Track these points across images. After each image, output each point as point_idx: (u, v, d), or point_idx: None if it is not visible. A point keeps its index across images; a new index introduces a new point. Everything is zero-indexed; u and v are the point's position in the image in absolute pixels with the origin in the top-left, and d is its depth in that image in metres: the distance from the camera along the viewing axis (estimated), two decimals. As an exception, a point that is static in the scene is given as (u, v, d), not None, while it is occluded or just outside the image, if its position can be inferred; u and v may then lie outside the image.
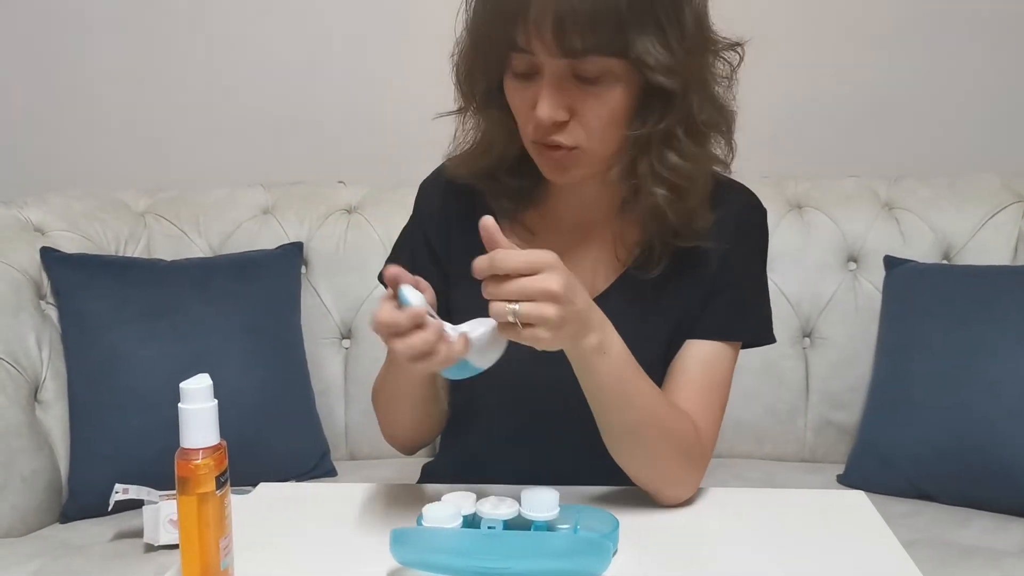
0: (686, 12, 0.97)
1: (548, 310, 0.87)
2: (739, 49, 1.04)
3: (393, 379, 1.14)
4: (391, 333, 0.88)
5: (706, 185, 1.06)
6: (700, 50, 1.00)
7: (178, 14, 2.12)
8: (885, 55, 2.06)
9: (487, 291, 0.88)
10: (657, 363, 1.12)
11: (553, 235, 1.14)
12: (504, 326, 0.88)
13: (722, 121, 1.06)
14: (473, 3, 1.01)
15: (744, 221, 1.14)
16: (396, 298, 0.90)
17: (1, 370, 1.58)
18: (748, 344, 1.17)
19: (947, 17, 2.04)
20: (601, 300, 1.04)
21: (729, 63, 1.04)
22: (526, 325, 0.87)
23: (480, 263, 0.87)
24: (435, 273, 1.16)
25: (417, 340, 0.87)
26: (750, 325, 1.16)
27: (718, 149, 1.07)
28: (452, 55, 1.07)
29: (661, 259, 1.09)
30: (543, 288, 0.87)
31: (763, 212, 1.17)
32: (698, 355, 1.11)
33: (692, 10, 0.98)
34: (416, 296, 0.90)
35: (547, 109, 0.97)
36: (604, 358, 0.96)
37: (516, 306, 0.86)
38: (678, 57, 0.96)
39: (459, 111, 1.10)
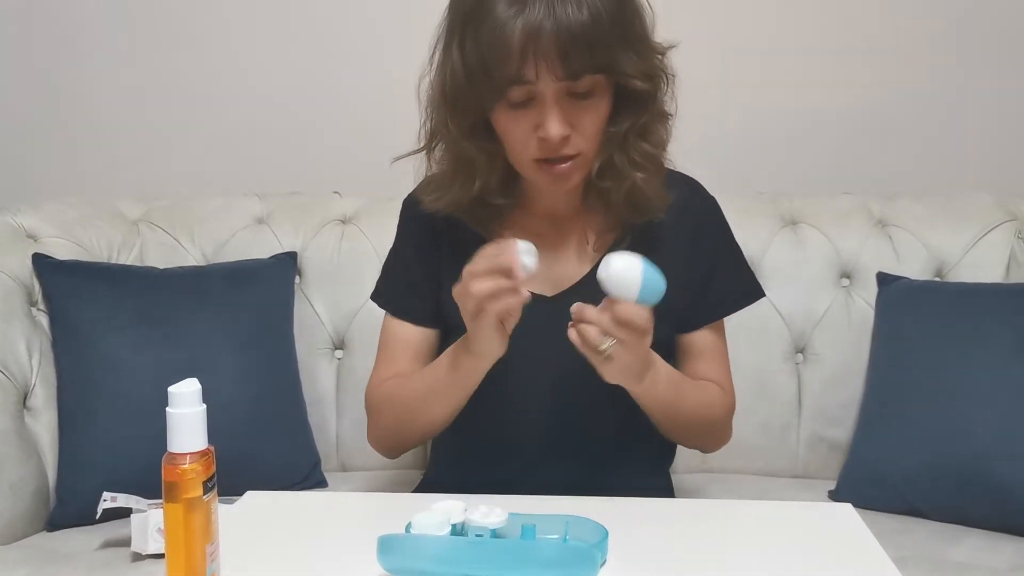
0: (646, 22, 1.13)
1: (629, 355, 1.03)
2: (668, 52, 1.17)
3: (444, 390, 1.18)
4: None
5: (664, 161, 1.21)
6: (655, 52, 1.15)
7: (174, 22, 2.12)
8: (880, 73, 2.07)
9: (598, 316, 1.00)
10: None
11: (532, 235, 1.20)
12: (588, 347, 1.01)
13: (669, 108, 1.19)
14: (466, 43, 1.06)
15: (701, 210, 1.30)
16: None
17: (-9, 376, 1.57)
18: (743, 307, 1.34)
19: (942, 36, 2.06)
20: (580, 285, 1.22)
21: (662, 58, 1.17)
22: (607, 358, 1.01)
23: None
24: (431, 282, 1.27)
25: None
26: (742, 296, 1.33)
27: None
28: (425, 97, 1.14)
29: (625, 238, 1.21)
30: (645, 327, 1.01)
31: (712, 197, 1.32)
32: (708, 333, 1.30)
33: (646, 20, 1.13)
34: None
35: (557, 128, 1.07)
36: (657, 384, 1.12)
37: (612, 342, 1.00)
38: (649, 62, 1.11)
39: (427, 146, 1.18)
